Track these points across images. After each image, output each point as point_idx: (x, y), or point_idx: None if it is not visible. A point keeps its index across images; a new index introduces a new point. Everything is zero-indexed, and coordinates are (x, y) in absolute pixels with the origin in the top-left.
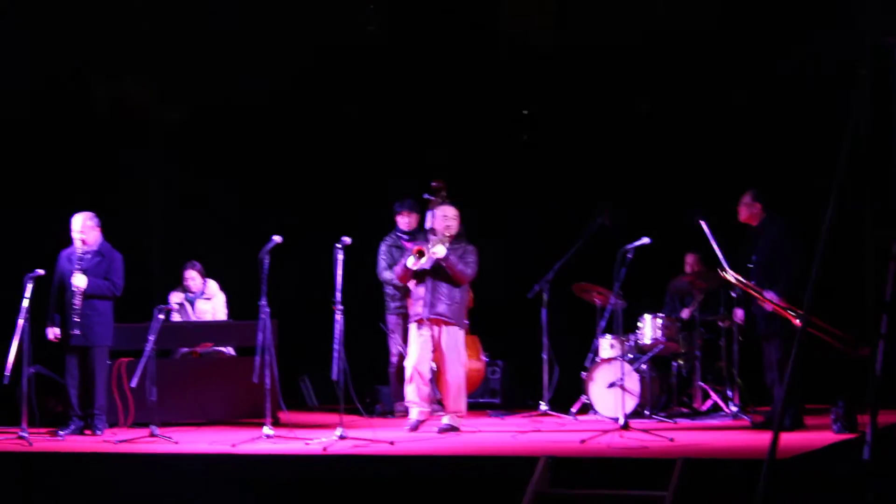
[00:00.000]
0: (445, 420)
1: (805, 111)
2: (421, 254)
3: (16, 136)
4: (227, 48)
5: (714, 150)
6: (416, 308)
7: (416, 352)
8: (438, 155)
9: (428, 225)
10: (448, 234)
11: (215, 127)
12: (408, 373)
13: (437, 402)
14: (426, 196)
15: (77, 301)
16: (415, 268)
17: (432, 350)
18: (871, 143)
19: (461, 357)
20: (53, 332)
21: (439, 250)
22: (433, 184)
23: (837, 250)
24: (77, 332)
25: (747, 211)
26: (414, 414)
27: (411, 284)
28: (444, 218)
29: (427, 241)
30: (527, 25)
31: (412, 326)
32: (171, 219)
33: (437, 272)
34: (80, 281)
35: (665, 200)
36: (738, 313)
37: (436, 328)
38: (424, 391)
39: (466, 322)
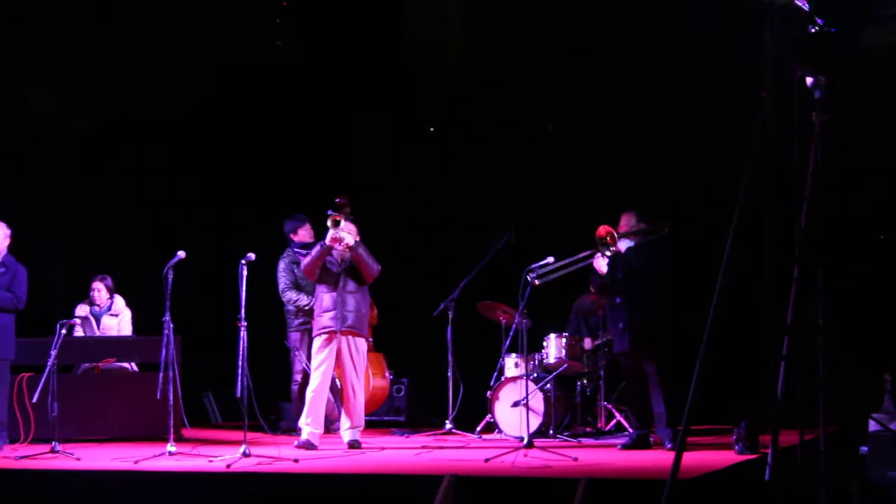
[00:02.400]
0: (351, 435)
1: (707, 132)
2: (337, 223)
3: None
4: (135, 59)
5: (614, 168)
6: (323, 321)
7: (322, 371)
8: (345, 171)
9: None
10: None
11: (120, 139)
12: (309, 394)
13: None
14: (330, 212)
15: None
16: (335, 235)
17: (335, 365)
18: (774, 167)
19: (364, 369)
20: None
21: (348, 237)
22: (337, 199)
23: (738, 274)
24: None
25: (630, 229)
26: (305, 434)
27: (317, 293)
28: (345, 230)
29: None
30: (432, 44)
31: (317, 341)
32: (75, 232)
33: (348, 273)
34: None
35: (570, 220)
36: (587, 342)
37: (343, 341)
38: (321, 412)
39: (370, 339)
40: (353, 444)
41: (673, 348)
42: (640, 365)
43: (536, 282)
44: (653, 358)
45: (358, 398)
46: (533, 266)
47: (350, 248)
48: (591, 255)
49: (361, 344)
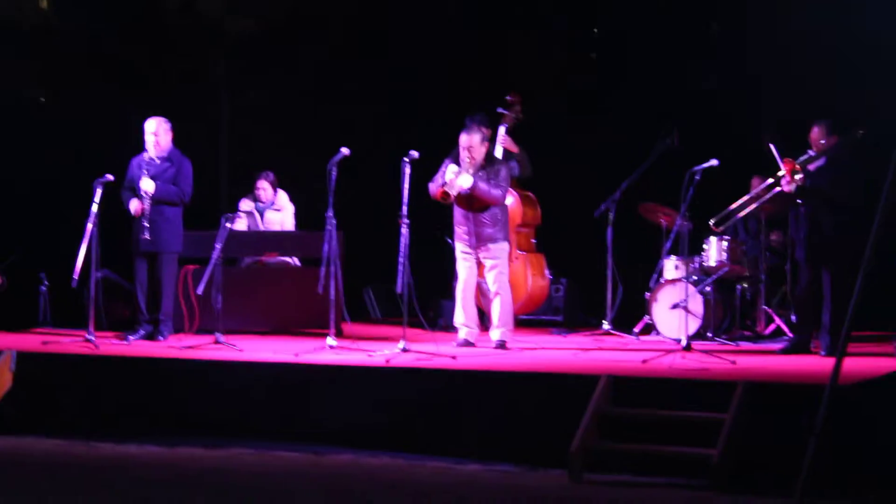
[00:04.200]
0: (496, 335)
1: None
2: (446, 195)
3: (85, 46)
4: None
5: (787, 75)
6: (459, 233)
7: (463, 276)
8: (514, 73)
9: (499, 140)
10: (471, 163)
11: (285, 37)
12: (457, 296)
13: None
14: (499, 110)
15: (146, 205)
16: (452, 195)
17: (478, 269)
18: None
19: (507, 269)
20: (135, 206)
21: (464, 181)
22: (508, 97)
23: None
24: (146, 236)
25: (822, 140)
26: (462, 334)
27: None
28: (466, 150)
29: (457, 163)
30: None
31: (458, 246)
32: (241, 128)
33: (472, 202)
34: (148, 185)
35: (734, 123)
36: (773, 236)
37: (482, 252)
38: (472, 312)
39: (528, 241)
40: (500, 345)
41: (853, 261)
42: (818, 274)
43: (719, 228)
44: (829, 268)
45: (504, 299)
46: (696, 168)
47: (469, 188)
48: (774, 186)
49: (500, 249)
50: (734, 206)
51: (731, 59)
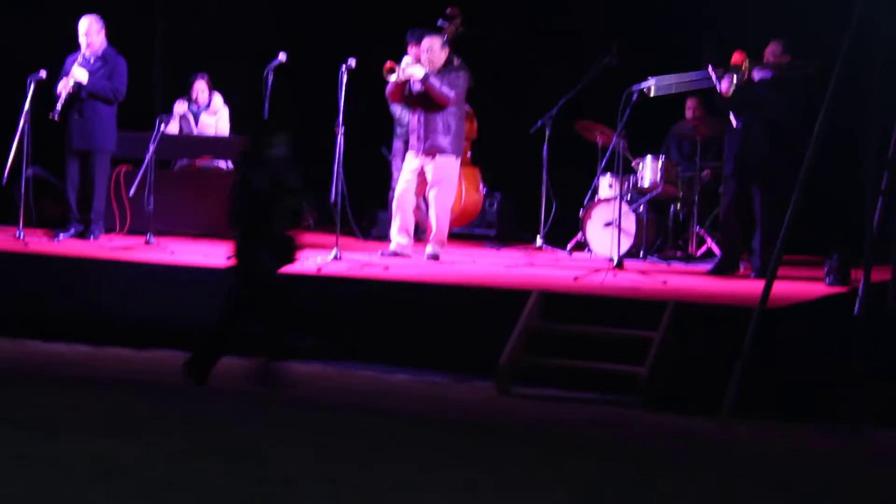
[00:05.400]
0: (429, 249)
1: None
2: (391, 70)
3: None
4: None
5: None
6: (411, 140)
7: (403, 184)
8: None
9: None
10: (429, 66)
11: None
12: (393, 206)
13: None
14: (440, 23)
15: (71, 90)
16: (400, 80)
17: (422, 182)
18: None
19: (452, 188)
20: (61, 85)
21: (416, 71)
22: (448, 10)
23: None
24: (59, 105)
25: (775, 56)
26: (394, 244)
27: (407, 112)
28: (426, 51)
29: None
30: None
31: (408, 155)
32: (177, 30)
33: (428, 102)
34: (80, 74)
35: (671, 43)
36: (704, 174)
37: (429, 159)
38: (406, 223)
39: (464, 154)
40: (433, 257)
41: (784, 181)
42: (745, 190)
43: (652, 93)
44: (759, 186)
45: (441, 217)
46: (634, 88)
47: (420, 80)
48: (719, 76)
49: (446, 162)
50: (674, 78)
51: None
